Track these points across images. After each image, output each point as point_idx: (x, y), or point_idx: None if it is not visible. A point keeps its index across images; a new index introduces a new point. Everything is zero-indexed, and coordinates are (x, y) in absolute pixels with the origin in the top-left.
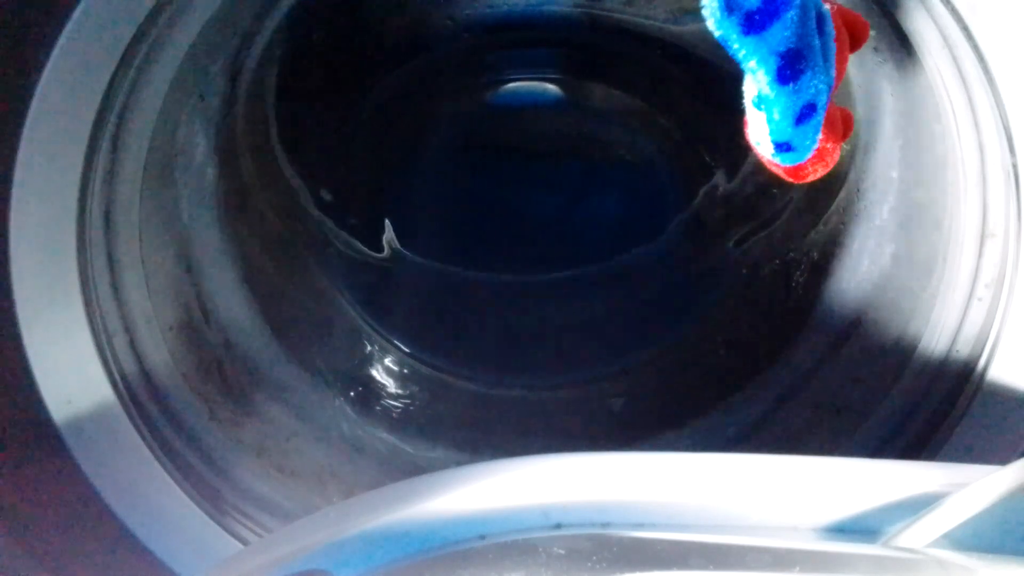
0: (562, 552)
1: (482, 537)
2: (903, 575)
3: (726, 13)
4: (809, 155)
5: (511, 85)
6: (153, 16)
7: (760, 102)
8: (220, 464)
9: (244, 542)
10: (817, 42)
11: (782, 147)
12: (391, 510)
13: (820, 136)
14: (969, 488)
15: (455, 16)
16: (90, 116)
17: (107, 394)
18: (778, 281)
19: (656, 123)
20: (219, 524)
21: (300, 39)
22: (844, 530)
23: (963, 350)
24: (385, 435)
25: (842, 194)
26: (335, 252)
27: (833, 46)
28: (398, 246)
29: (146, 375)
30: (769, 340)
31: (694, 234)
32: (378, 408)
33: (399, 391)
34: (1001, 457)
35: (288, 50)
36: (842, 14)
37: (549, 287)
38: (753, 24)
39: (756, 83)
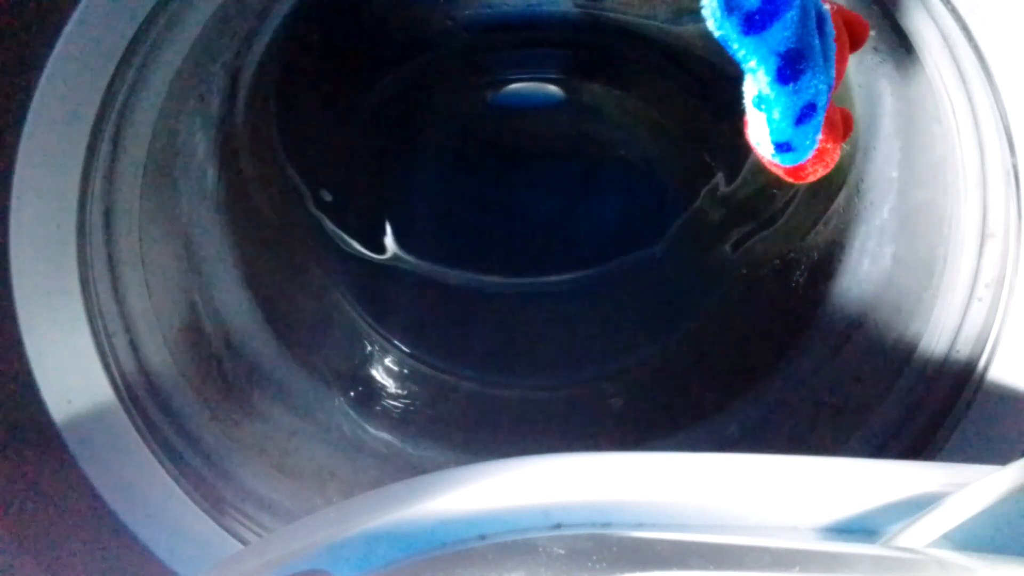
0: (562, 552)
1: (482, 537)
2: (903, 575)
3: (726, 13)
4: (809, 155)
5: (511, 85)
6: (153, 16)
7: (760, 102)
8: (220, 464)
9: (244, 542)
10: (817, 42)
11: (782, 147)
12: (391, 510)
13: (820, 136)
14: (969, 488)
15: (455, 16)
16: (90, 116)
17: (107, 394)
18: (778, 281)
19: (656, 123)
20: (219, 524)
21: (300, 39)
22: (844, 530)
23: (963, 350)
24: (385, 435)
25: (842, 194)
26: (335, 252)
27: (833, 46)
28: (398, 246)
29: (146, 375)
30: (769, 340)
31: (694, 234)
32: (378, 408)
33: (399, 391)
34: (1001, 457)
35: (288, 50)
36: (842, 14)
37: (549, 287)
38: (753, 24)
39: (756, 83)
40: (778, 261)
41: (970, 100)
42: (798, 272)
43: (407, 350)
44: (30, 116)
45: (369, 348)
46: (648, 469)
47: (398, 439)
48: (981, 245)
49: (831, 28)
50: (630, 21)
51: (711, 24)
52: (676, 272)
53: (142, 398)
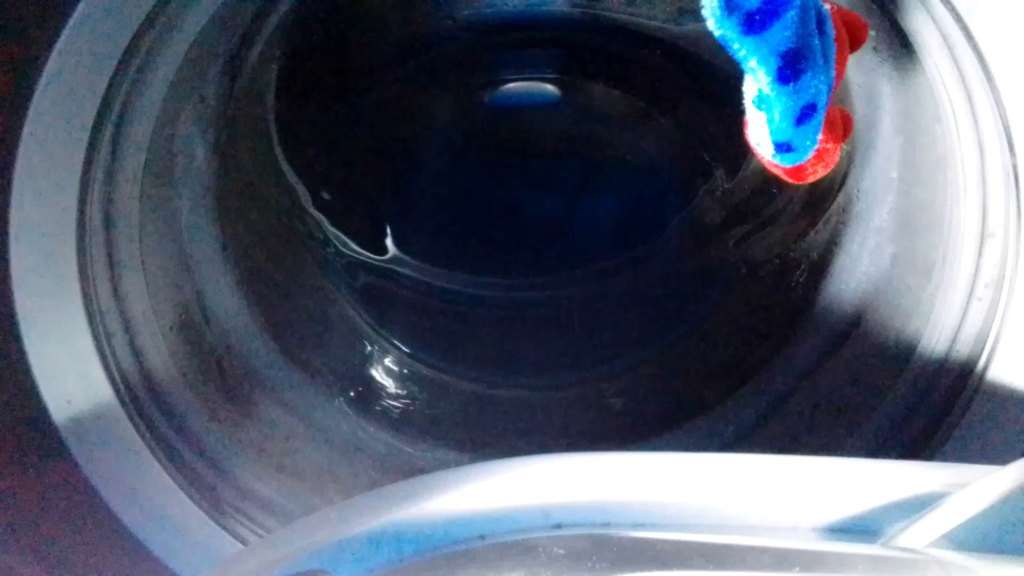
0: (562, 552)
1: (482, 537)
2: (903, 575)
3: (726, 13)
4: (809, 155)
5: (511, 85)
6: (153, 16)
7: (760, 102)
8: (220, 464)
9: (244, 542)
10: (817, 42)
11: (782, 147)
12: (391, 510)
13: (820, 136)
14: (969, 488)
15: (455, 16)
16: (90, 116)
17: (107, 394)
18: (778, 281)
19: (656, 123)
20: (219, 524)
21: (299, 39)
22: (844, 530)
23: (963, 350)
24: (385, 435)
25: (842, 194)
26: (335, 252)
27: (833, 46)
28: (397, 246)
29: (146, 375)
30: (769, 340)
31: (694, 234)
32: (378, 408)
33: (399, 391)
34: (1001, 457)
35: (288, 50)
36: (842, 14)
37: (549, 287)
38: (753, 24)
39: (756, 83)
40: (778, 260)
41: (970, 100)
42: (797, 271)
43: (407, 351)
44: (30, 116)
45: (369, 349)
46: (648, 469)
47: (398, 439)
48: (981, 245)
49: (831, 28)
50: (630, 21)
51: (711, 24)
52: (675, 272)
53: (142, 398)
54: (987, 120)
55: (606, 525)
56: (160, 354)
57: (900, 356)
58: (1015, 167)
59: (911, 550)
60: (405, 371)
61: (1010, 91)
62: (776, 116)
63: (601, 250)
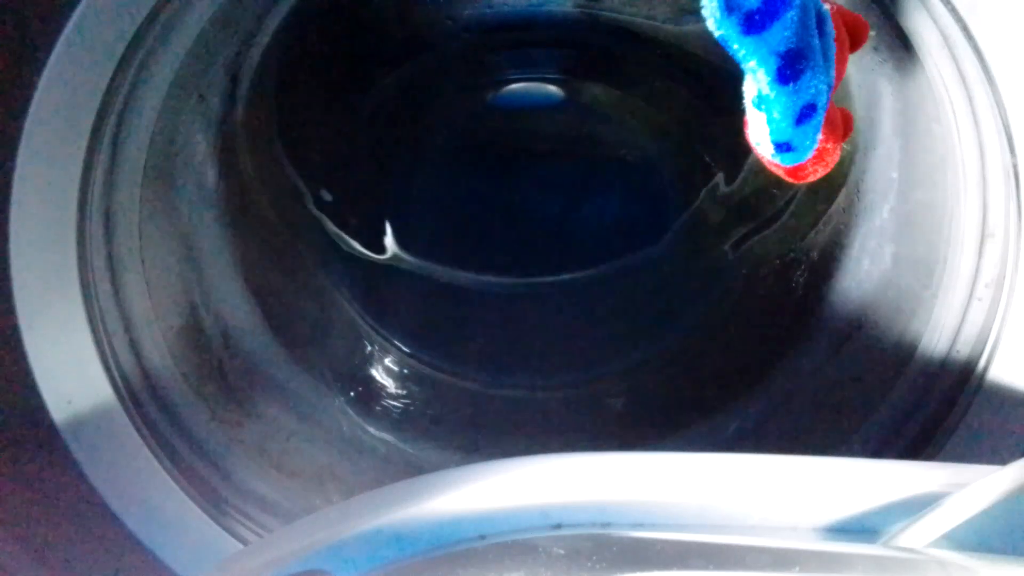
0: (562, 552)
1: (482, 537)
2: (903, 575)
3: (726, 13)
4: (809, 155)
5: (511, 85)
6: (153, 16)
7: (760, 102)
8: (220, 464)
9: (244, 542)
10: (817, 42)
11: (782, 147)
12: (391, 510)
13: (820, 136)
14: (969, 488)
15: (455, 16)
16: (90, 116)
17: (107, 394)
18: (778, 282)
19: (656, 123)
20: (219, 524)
21: (300, 39)
22: (844, 530)
23: (963, 350)
24: (385, 435)
25: (842, 194)
26: (335, 252)
27: (833, 46)
28: (398, 246)
29: (146, 375)
30: (769, 340)
31: (694, 234)
32: (378, 408)
33: (399, 391)
34: (1001, 457)
35: (288, 50)
36: (842, 14)
37: (549, 287)
38: (753, 24)
39: (756, 83)
40: (778, 261)
41: (970, 100)
42: (798, 272)
43: (407, 350)
44: (30, 116)
45: (369, 348)
46: (648, 469)
47: (398, 439)
48: (981, 245)
49: (831, 28)
50: (630, 21)
51: (711, 24)
52: (676, 272)
53: (142, 398)
54: (987, 120)
55: (606, 525)
56: (160, 354)
57: (900, 356)
58: (1015, 167)
59: (911, 550)
60: (405, 371)
61: (1010, 91)
62: (776, 116)
63: (602, 250)
